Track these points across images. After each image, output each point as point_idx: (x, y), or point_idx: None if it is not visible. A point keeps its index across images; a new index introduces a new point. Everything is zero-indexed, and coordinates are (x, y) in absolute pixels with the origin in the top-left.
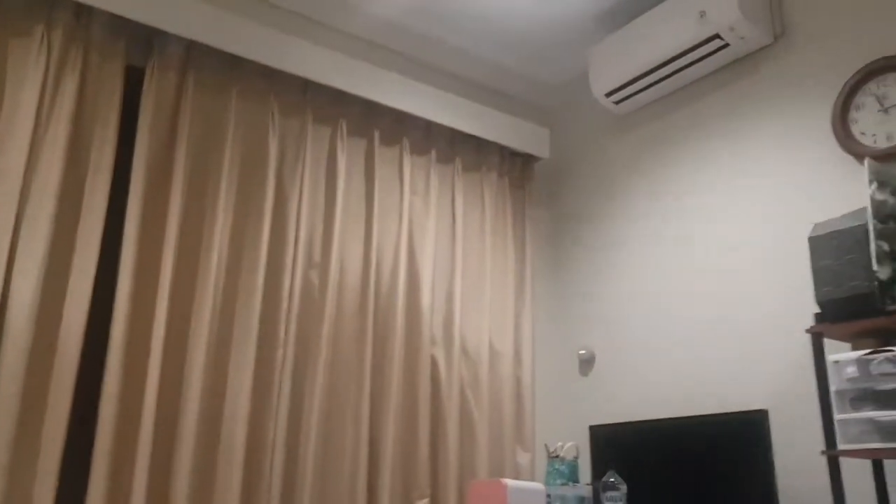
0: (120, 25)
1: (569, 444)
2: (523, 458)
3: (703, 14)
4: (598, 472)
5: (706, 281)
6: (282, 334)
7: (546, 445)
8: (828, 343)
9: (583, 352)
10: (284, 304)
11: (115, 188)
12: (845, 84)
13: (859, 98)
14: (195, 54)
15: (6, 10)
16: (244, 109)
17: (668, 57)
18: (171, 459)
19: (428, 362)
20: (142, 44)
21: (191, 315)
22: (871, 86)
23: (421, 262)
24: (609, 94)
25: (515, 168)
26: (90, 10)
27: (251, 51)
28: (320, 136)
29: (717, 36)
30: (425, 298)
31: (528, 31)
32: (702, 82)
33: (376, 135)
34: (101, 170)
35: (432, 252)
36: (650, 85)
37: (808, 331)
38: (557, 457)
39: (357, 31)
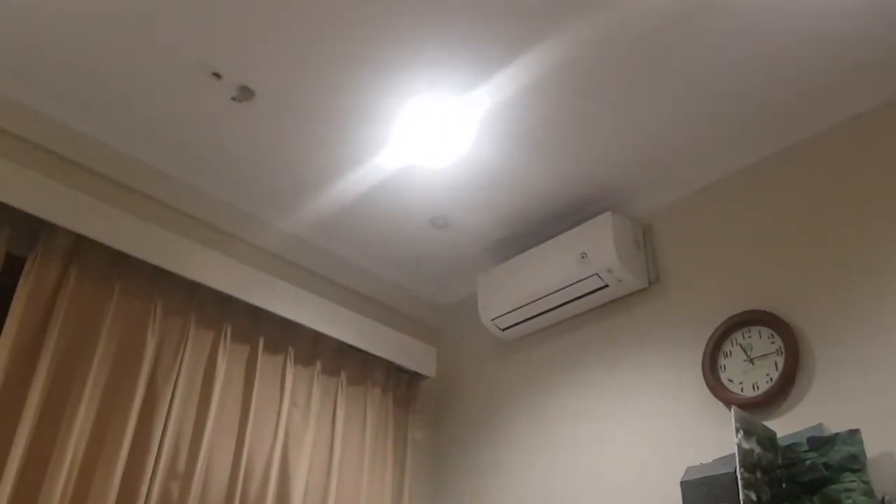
0: (4, 213)
1: None
2: None
3: (584, 255)
4: None
5: None
6: None
7: None
8: None
9: None
10: None
11: None
12: (714, 332)
13: (727, 346)
14: (81, 248)
15: None
16: (125, 306)
17: (551, 291)
18: None
19: None
20: (27, 233)
21: None
22: (738, 336)
23: (293, 480)
24: (495, 320)
25: (401, 385)
26: None
27: (139, 249)
28: (202, 338)
29: (597, 276)
30: None
31: (423, 255)
32: (583, 317)
33: (261, 341)
34: None
35: (306, 469)
36: (534, 315)
37: None
38: None
39: (253, 240)
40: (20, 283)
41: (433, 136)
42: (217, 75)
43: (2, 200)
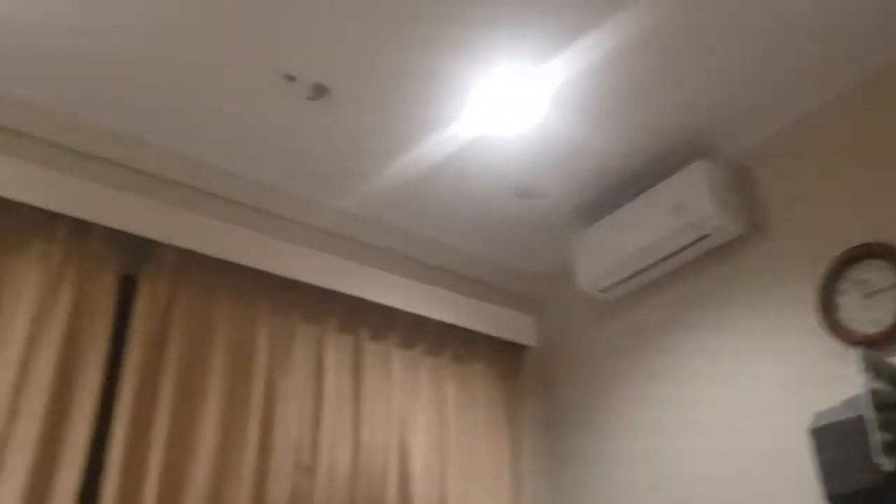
0: (115, 237)
1: None
2: None
3: (678, 207)
4: None
5: (708, 470)
6: None
7: None
8: None
9: None
10: None
11: (105, 395)
12: (826, 270)
13: (841, 284)
14: (187, 261)
15: (7, 227)
16: (234, 311)
17: (648, 247)
18: None
19: None
20: (136, 254)
21: None
22: (852, 272)
23: (412, 461)
24: (593, 282)
25: (505, 358)
26: (87, 224)
27: (240, 255)
28: (308, 334)
29: (695, 227)
30: (417, 500)
31: (512, 226)
32: (686, 270)
33: (364, 331)
34: (90, 383)
35: (424, 449)
36: (633, 274)
37: None
38: None
39: (345, 231)
40: (136, 302)
41: (510, 105)
42: (291, 78)
43: (112, 226)
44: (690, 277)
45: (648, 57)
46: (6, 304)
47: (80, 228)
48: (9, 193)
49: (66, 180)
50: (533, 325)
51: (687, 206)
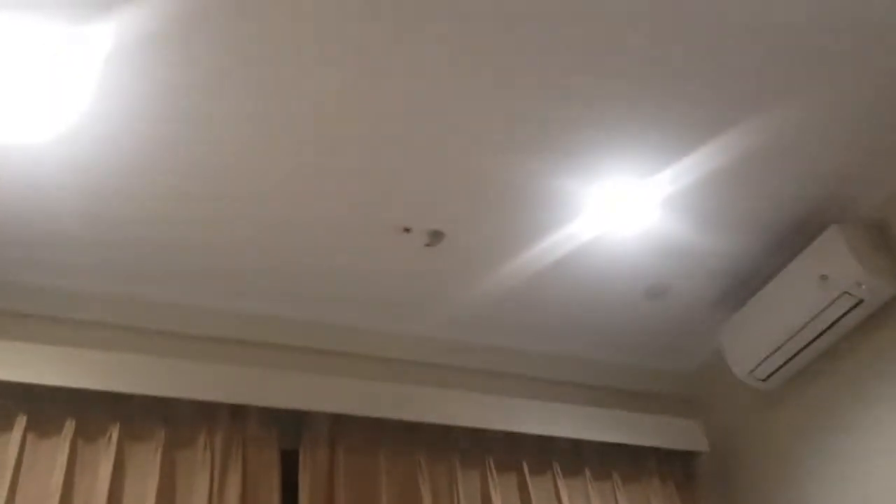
0: (271, 415)
1: None
2: None
3: (824, 278)
4: None
5: None
6: None
7: None
8: None
9: None
10: None
11: None
12: None
13: None
14: (341, 425)
15: (174, 427)
16: (393, 467)
17: (802, 325)
18: None
19: None
20: (292, 427)
21: None
22: None
23: None
24: (752, 372)
25: (677, 468)
26: (244, 408)
27: (392, 410)
28: (470, 478)
29: (846, 294)
30: None
31: (648, 329)
32: (849, 340)
33: (525, 465)
34: None
35: None
36: (793, 355)
37: None
38: None
39: (488, 366)
40: (300, 475)
41: (621, 215)
42: (407, 230)
43: (265, 405)
44: (857, 349)
45: (761, 148)
46: (182, 496)
47: (238, 412)
48: (174, 393)
49: (218, 370)
50: (700, 429)
51: (833, 274)
